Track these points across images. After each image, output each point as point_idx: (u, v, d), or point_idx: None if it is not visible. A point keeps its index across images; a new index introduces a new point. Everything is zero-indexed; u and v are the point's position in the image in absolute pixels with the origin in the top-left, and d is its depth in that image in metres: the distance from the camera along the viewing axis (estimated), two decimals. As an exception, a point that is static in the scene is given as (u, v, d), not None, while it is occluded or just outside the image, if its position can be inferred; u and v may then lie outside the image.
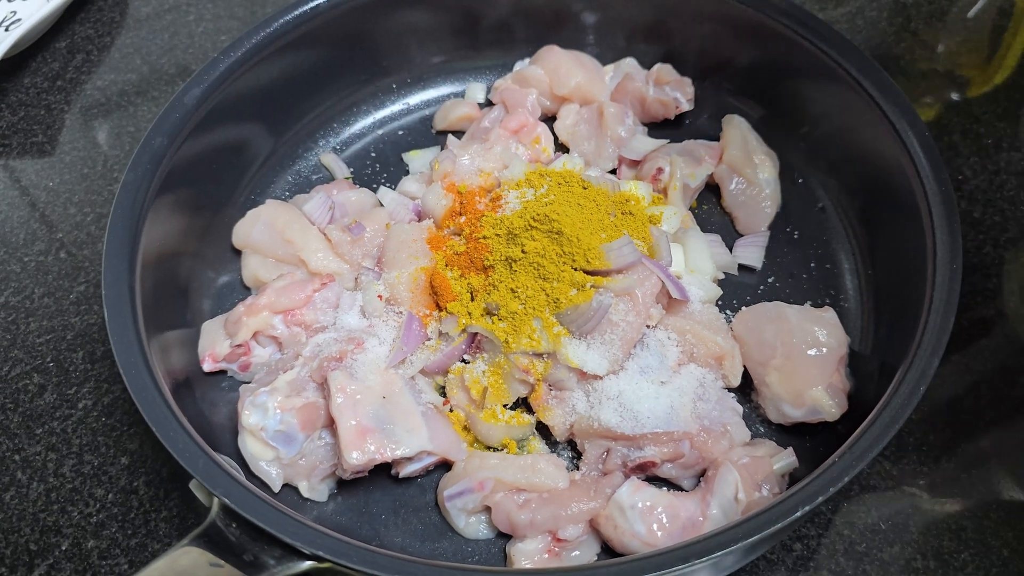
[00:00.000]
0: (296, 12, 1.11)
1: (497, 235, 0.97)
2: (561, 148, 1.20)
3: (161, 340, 0.94)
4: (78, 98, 1.36)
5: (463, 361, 0.98)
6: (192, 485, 0.82)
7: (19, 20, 1.40)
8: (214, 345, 0.99)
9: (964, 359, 1.03)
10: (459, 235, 1.03)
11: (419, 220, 1.09)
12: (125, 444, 1.01)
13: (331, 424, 0.90)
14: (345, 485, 0.95)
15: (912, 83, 1.31)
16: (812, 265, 1.09)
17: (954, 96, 1.29)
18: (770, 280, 1.08)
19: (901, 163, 0.98)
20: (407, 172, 1.20)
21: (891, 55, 1.34)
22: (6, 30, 1.39)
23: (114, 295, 0.88)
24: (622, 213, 1.00)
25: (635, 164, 1.14)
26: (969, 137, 1.23)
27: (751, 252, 1.08)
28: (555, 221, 0.93)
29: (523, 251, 0.94)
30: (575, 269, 0.93)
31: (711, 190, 1.16)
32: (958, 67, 1.33)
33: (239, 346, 0.98)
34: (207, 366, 0.99)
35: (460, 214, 1.05)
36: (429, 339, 0.98)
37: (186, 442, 0.80)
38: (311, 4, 1.11)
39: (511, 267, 0.94)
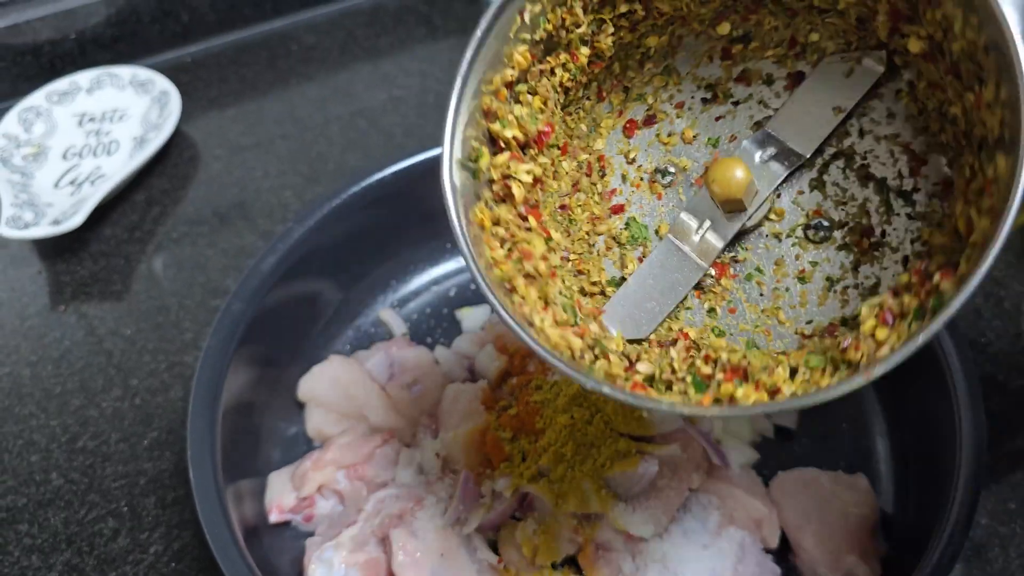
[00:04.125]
0: (364, 184, 1.21)
1: (546, 399, 1.04)
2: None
3: (235, 490, 1.00)
4: (153, 248, 1.46)
5: (514, 518, 1.04)
6: (264, 640, 0.87)
7: (104, 175, 1.52)
8: (281, 497, 1.06)
9: (993, 522, 1.08)
10: (512, 395, 1.10)
11: (474, 379, 1.16)
12: (193, 590, 1.07)
13: (391, 580, 0.96)
14: (401, 638, 1.00)
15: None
16: (844, 426, 1.14)
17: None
18: (804, 441, 1.14)
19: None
20: (460, 327, 1.28)
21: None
22: (92, 184, 1.51)
23: (198, 454, 0.96)
24: (664, 379, 1.07)
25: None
26: (991, 301, 1.30)
27: (785, 416, 1.14)
28: (602, 388, 1.00)
29: (572, 417, 1.00)
30: (621, 435, 1.00)
31: (746, 351, 1.22)
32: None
33: (304, 499, 1.05)
34: (274, 517, 1.05)
35: (511, 375, 1.12)
36: (483, 497, 1.04)
37: (262, 600, 0.86)
38: (378, 177, 1.22)
39: (560, 432, 1.01)
